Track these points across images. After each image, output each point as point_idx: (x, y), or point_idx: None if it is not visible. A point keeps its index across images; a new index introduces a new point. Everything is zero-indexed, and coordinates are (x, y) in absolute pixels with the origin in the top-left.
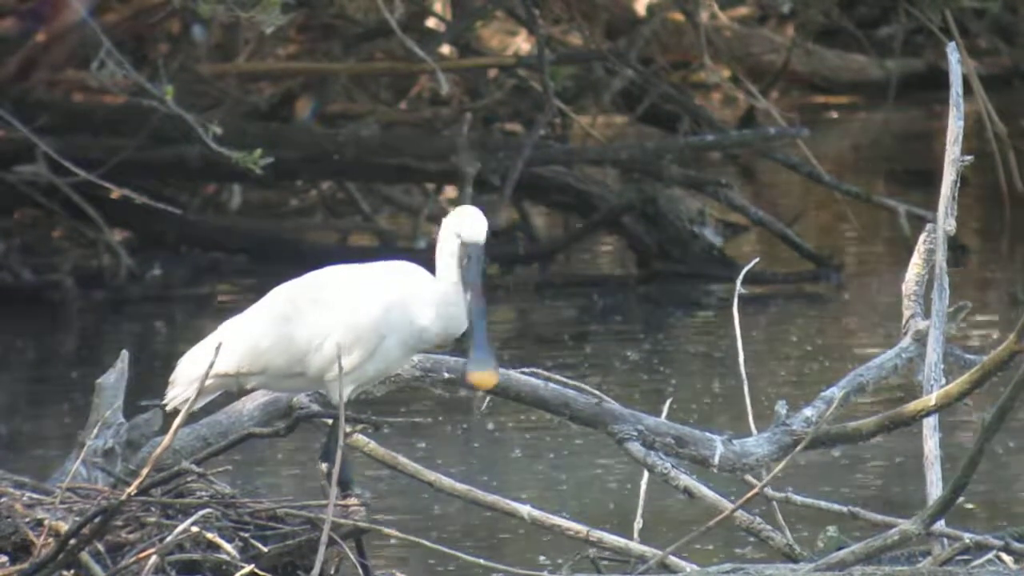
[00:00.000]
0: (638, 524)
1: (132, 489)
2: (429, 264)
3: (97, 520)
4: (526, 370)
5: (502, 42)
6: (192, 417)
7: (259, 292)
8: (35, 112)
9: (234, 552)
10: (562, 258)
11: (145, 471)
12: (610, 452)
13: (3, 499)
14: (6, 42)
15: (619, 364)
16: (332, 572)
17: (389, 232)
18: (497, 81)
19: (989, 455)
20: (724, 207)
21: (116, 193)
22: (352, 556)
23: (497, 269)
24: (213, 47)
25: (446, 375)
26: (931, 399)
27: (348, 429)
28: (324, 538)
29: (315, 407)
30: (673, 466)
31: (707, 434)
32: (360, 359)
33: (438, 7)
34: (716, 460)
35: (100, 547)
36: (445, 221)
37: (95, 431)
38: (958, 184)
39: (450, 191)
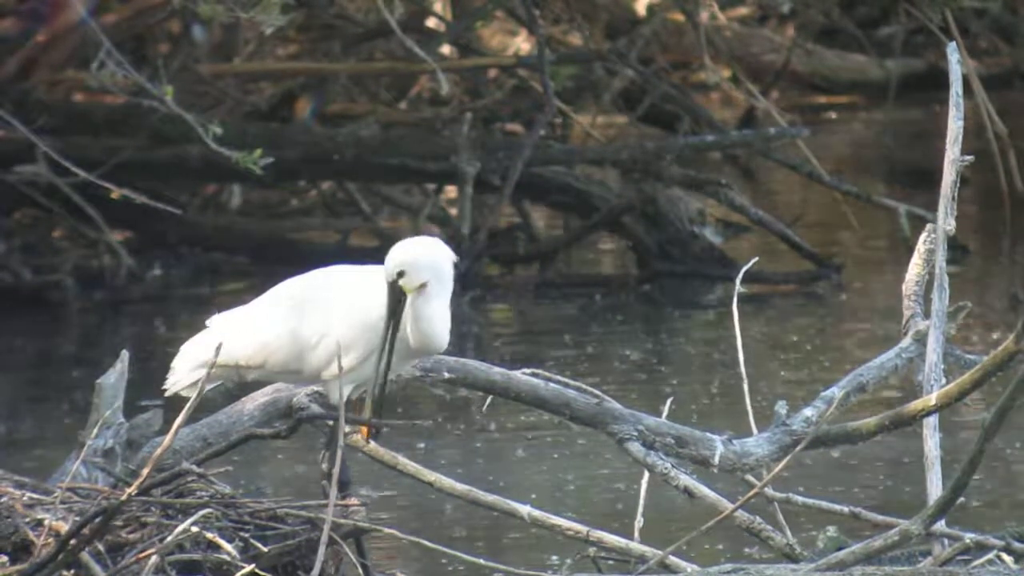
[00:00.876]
0: (638, 524)
1: (132, 489)
2: None
3: (97, 520)
4: (526, 370)
5: (502, 42)
6: (192, 417)
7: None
8: (35, 112)
9: (234, 552)
10: (562, 258)
11: (145, 471)
12: (610, 452)
13: (3, 499)
14: (6, 42)
15: (619, 364)
16: (332, 572)
17: (389, 232)
18: (497, 81)
19: (990, 454)
20: (724, 207)
21: (116, 193)
22: (352, 556)
23: (497, 269)
24: (213, 47)
25: (446, 375)
26: (931, 399)
27: (347, 429)
28: (324, 538)
29: (315, 407)
30: (673, 466)
31: (707, 434)
32: (357, 359)
33: (438, 7)
34: (716, 460)
35: (100, 547)
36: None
37: (95, 431)
38: (958, 184)
39: (450, 191)
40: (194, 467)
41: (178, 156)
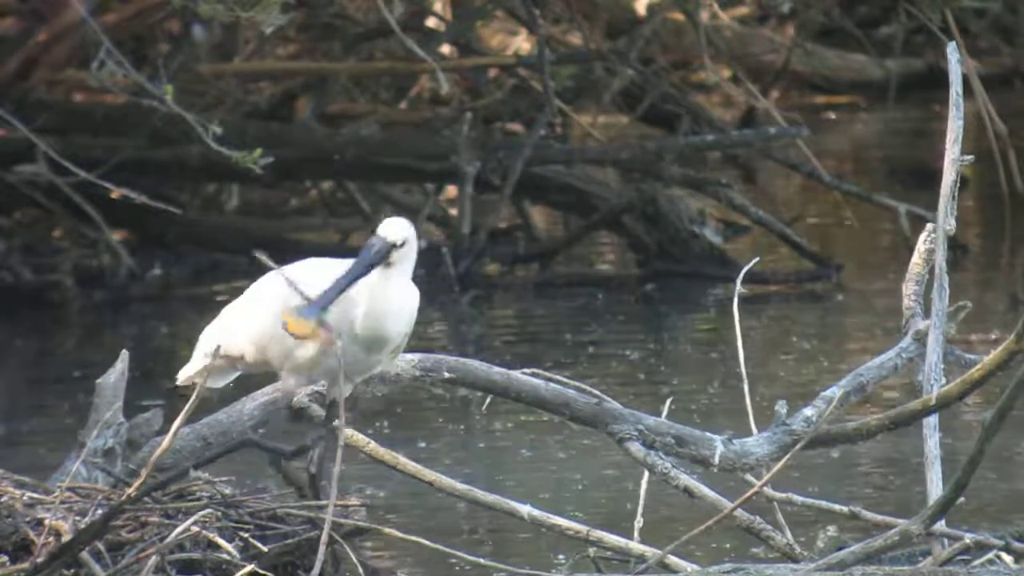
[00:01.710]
0: (638, 524)
1: (132, 490)
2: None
3: (97, 521)
4: (526, 370)
5: (502, 42)
6: (192, 417)
7: None
8: (35, 112)
9: (234, 552)
10: (562, 258)
11: (145, 471)
12: (610, 452)
13: (3, 499)
14: (6, 42)
15: (619, 364)
16: (332, 572)
17: None
18: (497, 81)
19: (991, 454)
20: (724, 207)
21: (116, 193)
22: (352, 556)
23: (497, 269)
24: (213, 47)
25: (446, 375)
26: (931, 399)
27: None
28: (324, 538)
29: (314, 406)
30: (673, 466)
31: (707, 434)
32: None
33: (438, 7)
34: (716, 460)
35: (100, 546)
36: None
37: (95, 431)
38: (958, 184)
39: (450, 191)
40: (200, 474)
41: (178, 156)
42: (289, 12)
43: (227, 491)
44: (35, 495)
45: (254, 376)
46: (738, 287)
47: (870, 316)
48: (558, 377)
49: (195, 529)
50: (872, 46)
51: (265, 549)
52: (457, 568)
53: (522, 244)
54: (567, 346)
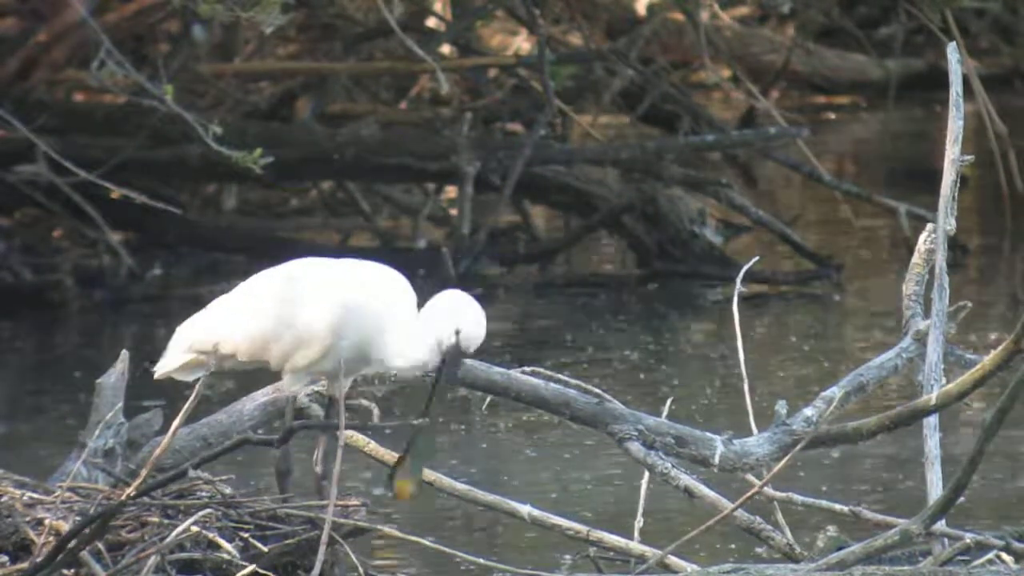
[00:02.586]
0: (638, 524)
1: (131, 490)
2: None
3: (97, 521)
4: (527, 369)
5: (502, 42)
6: (192, 417)
7: None
8: (35, 112)
9: (234, 552)
10: (562, 258)
11: (145, 471)
12: (611, 452)
13: (4, 499)
14: (6, 42)
15: (619, 364)
16: (332, 572)
17: (389, 232)
18: (497, 81)
19: (991, 454)
20: (724, 207)
21: (116, 193)
22: (352, 556)
23: (497, 269)
24: (213, 47)
25: None
26: (931, 399)
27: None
28: (324, 538)
29: (315, 406)
30: (673, 466)
31: (707, 434)
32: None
33: (438, 7)
34: (716, 460)
35: (100, 546)
36: (447, 302)
37: (96, 431)
38: (958, 184)
39: (450, 191)
40: (201, 473)
41: (178, 156)
42: (289, 12)
43: (227, 491)
44: (35, 495)
45: (254, 376)
46: (738, 287)
47: (870, 316)
48: (558, 376)
49: (195, 529)
50: (872, 46)
51: (265, 549)
52: (457, 568)
53: (522, 244)
54: (567, 346)
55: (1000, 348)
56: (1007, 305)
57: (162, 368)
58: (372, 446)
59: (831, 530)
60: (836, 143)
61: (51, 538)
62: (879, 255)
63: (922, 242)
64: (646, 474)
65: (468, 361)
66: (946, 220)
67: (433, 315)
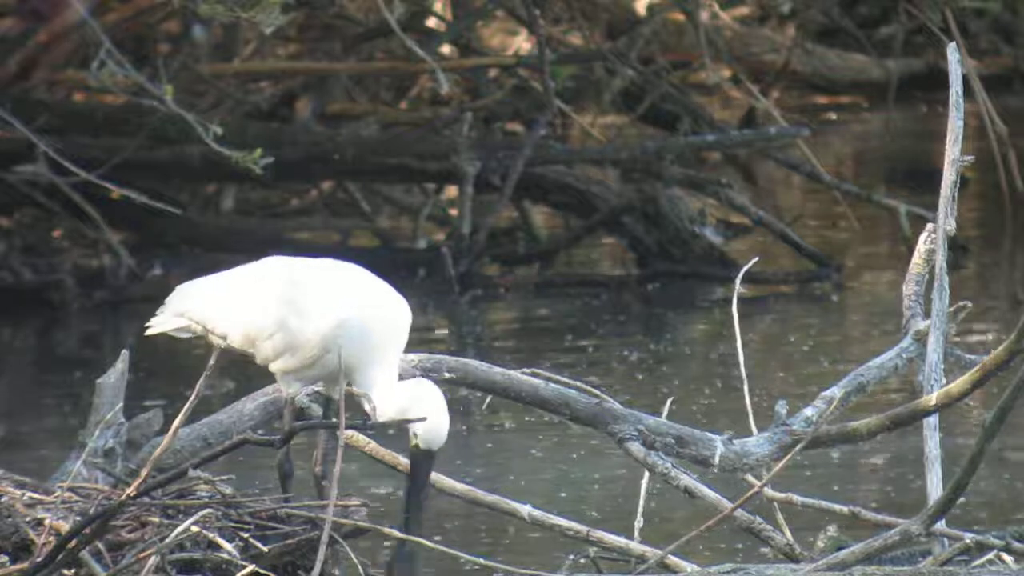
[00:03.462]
0: (638, 524)
1: (132, 490)
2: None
3: (97, 520)
4: (526, 370)
5: (502, 42)
6: (192, 417)
7: None
8: (35, 112)
9: (234, 552)
10: (562, 258)
11: (145, 471)
12: (611, 452)
13: (4, 499)
14: (6, 42)
15: (619, 364)
16: (333, 572)
17: (389, 232)
18: (497, 81)
19: (990, 454)
20: (724, 207)
21: (116, 193)
22: (353, 556)
23: (497, 269)
24: (213, 47)
25: (447, 375)
26: (931, 399)
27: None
28: (324, 538)
29: (315, 406)
30: (673, 466)
31: (707, 434)
32: (301, 363)
33: (438, 7)
34: (716, 460)
35: (100, 546)
36: (417, 401)
37: (96, 431)
38: (958, 184)
39: (450, 191)
40: (201, 473)
41: (178, 156)
42: (289, 12)
43: (227, 491)
44: (35, 495)
45: (254, 377)
46: (738, 287)
47: (870, 316)
48: (558, 377)
49: (195, 529)
50: (872, 46)
51: (265, 549)
52: (457, 568)
53: (522, 244)
54: (567, 346)
55: (1000, 348)
56: (1007, 305)
57: (156, 326)
58: (372, 446)
59: (831, 530)
60: (836, 143)
61: (51, 538)
62: (879, 255)
63: (922, 242)
64: (646, 474)
65: (468, 361)
66: (946, 220)
67: (404, 400)
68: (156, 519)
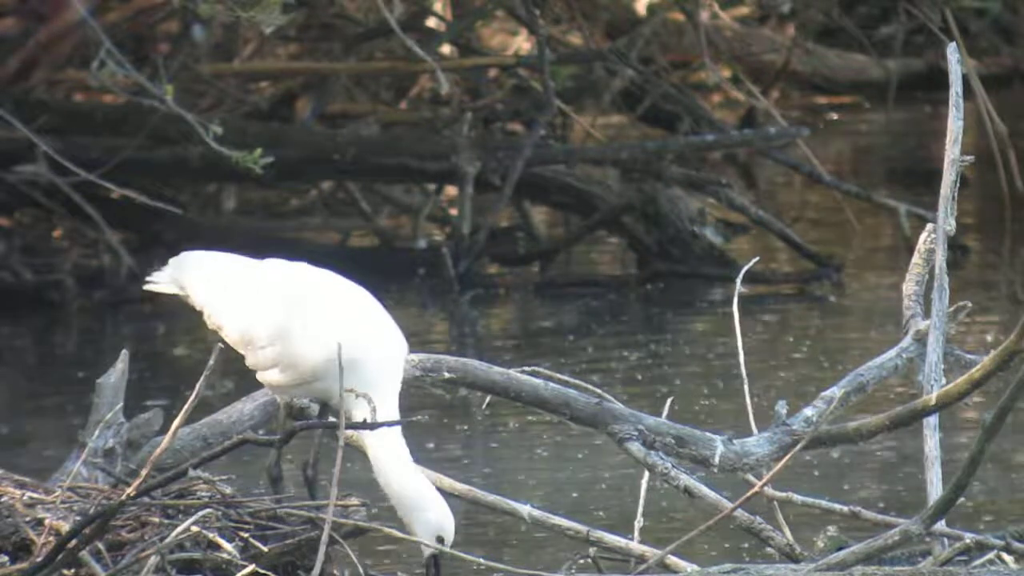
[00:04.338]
0: (638, 524)
1: (132, 490)
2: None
3: (97, 520)
4: (527, 369)
5: (502, 42)
6: (192, 417)
7: None
8: (35, 112)
9: (234, 552)
10: (562, 258)
11: (145, 471)
12: (611, 452)
13: (4, 499)
14: (6, 42)
15: (619, 364)
16: (332, 572)
17: (389, 232)
18: (497, 81)
19: (990, 454)
20: (724, 207)
21: (116, 193)
22: (352, 556)
23: (497, 269)
24: (213, 47)
25: (446, 375)
26: (931, 399)
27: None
28: (324, 538)
29: (314, 406)
30: (673, 466)
31: (707, 434)
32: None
33: (438, 7)
34: (716, 460)
35: (100, 546)
36: (433, 519)
37: (96, 431)
38: (958, 184)
39: (450, 191)
40: (201, 473)
41: (178, 156)
42: (289, 12)
43: (227, 491)
44: (35, 495)
45: (254, 377)
46: (738, 286)
47: (870, 316)
48: (559, 376)
49: (195, 529)
50: (872, 46)
51: (265, 549)
52: (457, 568)
53: (522, 244)
54: (567, 346)
55: (1000, 348)
56: (1007, 305)
57: (153, 286)
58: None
59: (831, 530)
60: (836, 143)
61: (51, 538)
62: (879, 255)
63: (922, 242)
64: (646, 474)
65: (468, 361)
66: (946, 220)
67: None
68: (156, 519)
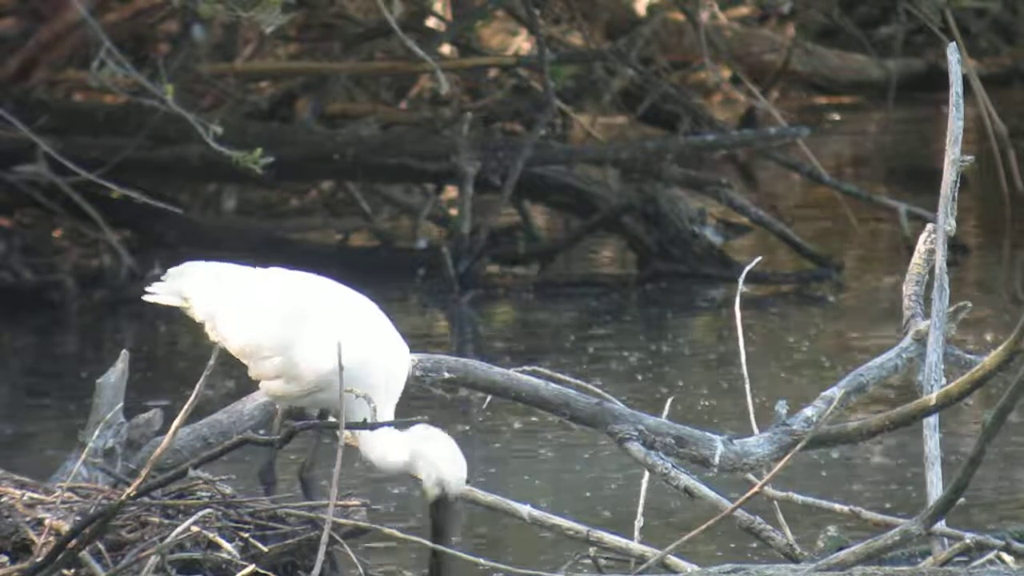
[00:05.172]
0: (638, 524)
1: (131, 490)
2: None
3: (97, 520)
4: (527, 369)
5: (502, 42)
6: (192, 417)
7: None
8: (35, 112)
9: (234, 552)
10: (562, 258)
11: (145, 471)
12: (611, 452)
13: (4, 499)
14: (6, 42)
15: (619, 364)
16: (332, 572)
17: (389, 232)
18: (497, 81)
19: (990, 454)
20: (724, 207)
21: (116, 193)
22: (352, 556)
23: (497, 269)
24: (213, 47)
25: (446, 375)
26: (931, 399)
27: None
28: (324, 538)
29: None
30: (673, 466)
31: (707, 434)
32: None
33: (438, 7)
34: (716, 460)
35: (100, 546)
36: (427, 450)
37: (96, 431)
38: (958, 184)
39: (450, 191)
40: (201, 473)
41: (178, 156)
42: (289, 12)
43: (227, 491)
44: (35, 495)
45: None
46: (740, 287)
47: (870, 316)
48: (559, 376)
49: (195, 529)
50: (872, 46)
51: (265, 549)
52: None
53: (522, 244)
54: (567, 346)
55: (1000, 348)
56: (1007, 305)
57: (154, 296)
58: None
59: (831, 530)
60: (836, 143)
61: (51, 538)
62: (879, 255)
63: (922, 242)
64: (646, 474)
65: (468, 361)
66: (946, 220)
67: (413, 453)
68: (156, 519)
